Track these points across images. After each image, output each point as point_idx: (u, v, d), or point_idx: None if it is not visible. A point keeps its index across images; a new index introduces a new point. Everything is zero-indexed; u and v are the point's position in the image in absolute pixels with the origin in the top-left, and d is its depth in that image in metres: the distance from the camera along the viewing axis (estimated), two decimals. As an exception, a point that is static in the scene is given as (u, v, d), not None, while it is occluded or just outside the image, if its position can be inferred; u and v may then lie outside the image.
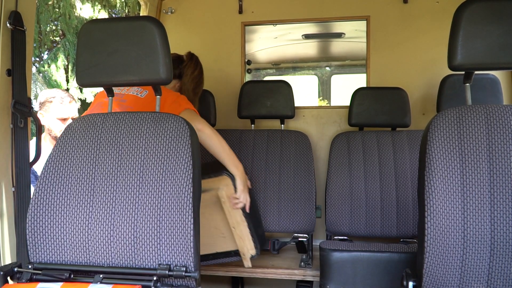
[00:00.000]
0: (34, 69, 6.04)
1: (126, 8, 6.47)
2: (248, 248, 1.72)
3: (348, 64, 2.62)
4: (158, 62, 1.17)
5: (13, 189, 1.43)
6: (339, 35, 2.48)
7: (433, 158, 1.04)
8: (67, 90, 6.25)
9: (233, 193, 1.63)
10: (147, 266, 1.09)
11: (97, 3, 6.22)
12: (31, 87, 1.56)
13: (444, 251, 1.01)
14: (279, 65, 2.72)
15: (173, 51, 1.23)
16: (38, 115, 2.49)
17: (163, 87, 1.55)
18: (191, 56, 1.87)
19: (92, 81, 1.22)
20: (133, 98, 1.59)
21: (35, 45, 6.13)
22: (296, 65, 2.73)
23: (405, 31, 2.29)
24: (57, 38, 6.64)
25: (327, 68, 2.84)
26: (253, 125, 2.27)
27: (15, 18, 1.41)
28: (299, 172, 2.06)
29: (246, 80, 2.47)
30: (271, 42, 2.53)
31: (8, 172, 1.43)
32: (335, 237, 2.00)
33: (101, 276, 1.06)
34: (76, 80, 1.26)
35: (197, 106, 1.85)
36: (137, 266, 1.09)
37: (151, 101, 1.58)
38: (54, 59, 6.05)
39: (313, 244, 2.03)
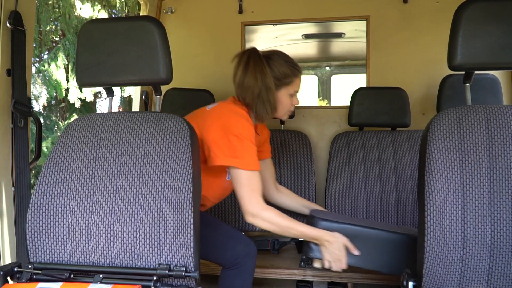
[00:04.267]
0: (34, 69, 6.04)
1: (126, 8, 6.47)
2: None
3: (348, 64, 2.62)
4: (158, 62, 1.17)
5: (13, 189, 1.43)
6: (339, 35, 2.48)
7: (433, 158, 1.04)
8: (67, 90, 6.25)
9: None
10: (147, 266, 1.09)
11: (97, 3, 6.22)
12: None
13: (444, 251, 1.01)
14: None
15: (173, 51, 1.23)
16: None
17: (229, 110, 1.39)
18: (242, 55, 1.48)
19: (92, 81, 1.22)
20: (201, 110, 1.49)
21: (35, 45, 6.12)
22: (296, 65, 2.73)
23: (405, 31, 2.29)
24: (57, 38, 6.64)
25: (327, 68, 2.84)
26: (253, 125, 2.27)
27: (15, 18, 1.41)
28: (299, 172, 2.06)
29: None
30: (271, 42, 2.53)
31: (8, 172, 1.43)
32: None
33: (101, 276, 1.06)
34: (76, 80, 1.26)
35: (277, 112, 1.53)
36: (137, 266, 1.09)
37: (211, 113, 1.42)
38: (54, 58, 6.05)
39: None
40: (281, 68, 1.46)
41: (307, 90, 2.98)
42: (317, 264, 1.50)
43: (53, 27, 6.45)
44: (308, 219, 1.55)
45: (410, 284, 1.08)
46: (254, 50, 1.47)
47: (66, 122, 6.73)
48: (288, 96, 1.51)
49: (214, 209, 2.09)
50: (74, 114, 6.77)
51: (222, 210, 2.08)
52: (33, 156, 1.57)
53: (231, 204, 2.08)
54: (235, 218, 2.07)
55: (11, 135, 1.44)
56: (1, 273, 1.04)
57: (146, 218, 1.09)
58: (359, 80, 2.44)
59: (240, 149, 1.32)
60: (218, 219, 1.55)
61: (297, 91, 1.54)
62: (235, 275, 1.45)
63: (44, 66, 6.03)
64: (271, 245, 1.98)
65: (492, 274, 1.01)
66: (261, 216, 1.32)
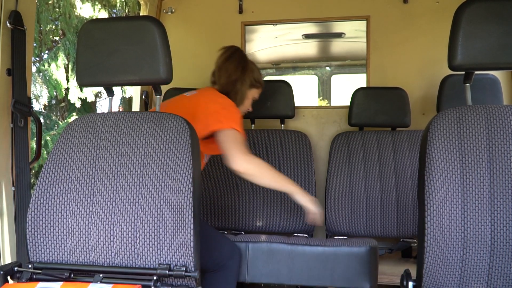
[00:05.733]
0: (34, 69, 6.04)
1: (126, 7, 6.46)
2: None
3: (348, 64, 2.62)
4: (158, 61, 1.17)
5: (13, 188, 1.43)
6: (339, 35, 2.48)
7: (433, 158, 1.04)
8: (67, 89, 6.25)
9: None
10: (147, 266, 1.09)
11: (97, 3, 6.21)
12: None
13: (444, 251, 1.01)
14: (279, 65, 2.72)
15: (173, 51, 1.23)
16: None
17: (211, 91, 1.58)
18: (228, 49, 1.72)
19: (92, 81, 1.22)
20: (181, 97, 1.62)
21: (35, 44, 6.12)
22: (296, 65, 2.73)
23: (405, 31, 2.28)
24: (57, 38, 6.63)
25: (327, 68, 2.84)
26: (253, 125, 2.27)
27: (15, 18, 1.41)
28: (299, 172, 2.06)
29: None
30: (271, 42, 2.53)
31: (8, 172, 1.43)
32: (335, 237, 2.00)
33: (101, 275, 1.06)
34: (76, 80, 1.26)
35: (242, 106, 1.73)
36: (137, 266, 1.09)
37: (195, 98, 1.56)
38: (54, 58, 6.05)
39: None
40: (258, 73, 1.75)
41: (307, 90, 2.98)
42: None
43: (53, 26, 6.44)
44: None
45: (410, 284, 1.08)
46: (240, 48, 1.75)
47: (65, 121, 6.72)
48: (252, 98, 1.77)
49: (215, 210, 2.09)
50: (73, 113, 6.76)
51: (222, 211, 2.09)
52: (33, 156, 1.57)
53: (227, 203, 2.08)
54: (236, 219, 2.07)
55: (11, 135, 1.44)
56: (1, 272, 1.04)
57: (146, 218, 1.09)
58: (359, 80, 2.44)
59: (235, 116, 1.50)
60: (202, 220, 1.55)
61: (256, 99, 1.80)
62: (220, 277, 1.46)
63: (44, 66, 6.03)
64: None
65: (492, 274, 1.01)
66: (246, 162, 1.42)
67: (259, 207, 2.06)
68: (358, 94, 2.09)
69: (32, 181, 1.53)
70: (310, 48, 2.57)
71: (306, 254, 1.43)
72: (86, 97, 6.43)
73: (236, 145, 1.41)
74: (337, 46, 2.55)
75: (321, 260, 1.41)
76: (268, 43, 2.54)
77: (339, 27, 2.44)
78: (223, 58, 1.69)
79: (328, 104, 3.09)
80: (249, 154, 1.43)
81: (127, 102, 6.80)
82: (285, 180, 1.54)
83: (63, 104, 7.03)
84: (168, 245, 1.08)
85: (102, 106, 7.72)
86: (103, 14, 6.34)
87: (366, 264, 1.39)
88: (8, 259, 1.43)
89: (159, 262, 1.08)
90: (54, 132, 5.98)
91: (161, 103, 1.57)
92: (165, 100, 2.23)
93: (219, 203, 2.08)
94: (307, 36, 2.50)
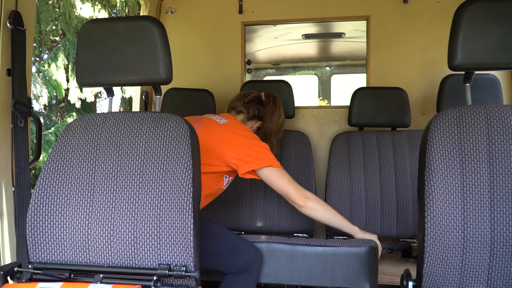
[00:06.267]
0: (34, 69, 6.04)
1: (126, 8, 6.46)
2: None
3: (348, 64, 2.62)
4: (158, 62, 1.17)
5: (13, 189, 1.43)
6: (339, 35, 2.48)
7: (433, 158, 1.04)
8: (67, 90, 6.25)
9: None
10: (147, 266, 1.09)
11: (97, 3, 6.22)
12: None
13: (444, 251, 1.01)
14: (279, 65, 2.72)
15: (173, 51, 1.23)
16: None
17: (236, 121, 1.61)
18: (269, 97, 1.80)
19: (92, 81, 1.22)
20: (212, 121, 1.62)
21: (35, 44, 6.11)
22: (296, 65, 2.73)
23: (405, 31, 2.29)
24: (57, 38, 6.63)
25: (327, 68, 2.84)
26: (253, 125, 2.27)
27: (15, 18, 1.41)
28: (299, 172, 2.06)
29: (246, 80, 2.47)
30: (271, 42, 2.53)
31: (8, 172, 1.43)
32: (335, 237, 2.00)
33: (101, 276, 1.06)
34: (76, 80, 1.26)
35: (276, 149, 1.81)
36: (137, 266, 1.09)
37: (228, 129, 1.58)
38: (54, 58, 6.04)
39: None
40: None
41: (307, 90, 2.98)
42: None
43: (53, 27, 6.44)
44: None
45: (410, 284, 1.08)
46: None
47: (64, 120, 6.72)
48: None
49: (215, 210, 2.09)
50: (72, 113, 6.76)
51: (222, 211, 2.09)
52: (33, 156, 1.57)
53: (227, 203, 2.08)
54: (236, 219, 2.07)
55: (11, 135, 1.44)
56: (1, 273, 1.04)
57: (146, 218, 1.09)
58: (359, 80, 2.45)
59: (268, 153, 1.56)
60: (220, 225, 1.55)
61: None
62: (240, 279, 1.47)
63: (44, 66, 6.03)
64: None
65: (492, 274, 1.01)
66: (308, 206, 1.54)
67: (259, 207, 2.06)
68: (358, 94, 2.09)
69: (32, 181, 1.53)
70: (310, 48, 2.57)
71: (306, 254, 1.43)
72: (85, 98, 6.43)
73: (291, 182, 1.55)
74: (337, 46, 2.55)
75: (321, 260, 1.42)
76: (268, 43, 2.54)
77: (339, 27, 2.44)
78: (283, 115, 1.81)
79: (328, 104, 3.09)
80: (304, 189, 1.57)
81: (127, 102, 6.80)
82: (344, 218, 1.60)
83: (62, 104, 7.03)
84: (168, 245, 1.08)
85: (102, 106, 7.72)
86: (103, 14, 6.34)
87: (366, 264, 1.39)
88: (8, 259, 1.43)
89: (159, 262, 1.08)
90: (45, 132, 5.97)
91: (189, 118, 1.58)
92: (165, 100, 2.24)
93: (219, 203, 2.08)
94: (307, 36, 2.50)
